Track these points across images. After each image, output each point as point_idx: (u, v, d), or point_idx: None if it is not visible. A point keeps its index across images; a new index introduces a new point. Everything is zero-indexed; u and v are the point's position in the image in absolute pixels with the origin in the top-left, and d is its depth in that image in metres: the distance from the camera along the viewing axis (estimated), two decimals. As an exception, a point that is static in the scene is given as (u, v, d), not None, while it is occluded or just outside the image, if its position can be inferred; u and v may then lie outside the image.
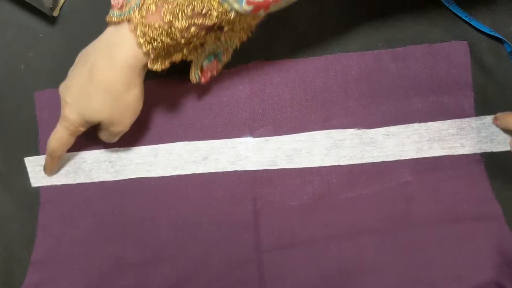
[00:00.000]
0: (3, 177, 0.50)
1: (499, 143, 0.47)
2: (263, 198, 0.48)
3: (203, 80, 0.45)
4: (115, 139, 0.46)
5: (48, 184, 0.49)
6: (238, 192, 0.48)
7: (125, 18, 0.38)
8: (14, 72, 0.51)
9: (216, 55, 0.45)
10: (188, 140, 0.49)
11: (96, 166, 0.49)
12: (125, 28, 0.39)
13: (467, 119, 0.47)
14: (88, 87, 0.41)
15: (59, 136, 0.44)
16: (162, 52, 0.40)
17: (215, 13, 0.36)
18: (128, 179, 0.49)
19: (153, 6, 0.37)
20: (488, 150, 0.47)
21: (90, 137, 0.49)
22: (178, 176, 0.49)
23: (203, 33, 0.39)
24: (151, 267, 0.48)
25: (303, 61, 0.49)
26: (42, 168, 0.49)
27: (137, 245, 0.48)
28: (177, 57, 0.42)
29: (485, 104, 0.47)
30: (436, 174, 0.47)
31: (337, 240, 0.46)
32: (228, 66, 0.49)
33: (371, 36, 0.48)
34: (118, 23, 0.39)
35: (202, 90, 0.49)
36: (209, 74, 0.46)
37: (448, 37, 0.47)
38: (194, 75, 0.44)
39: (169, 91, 0.49)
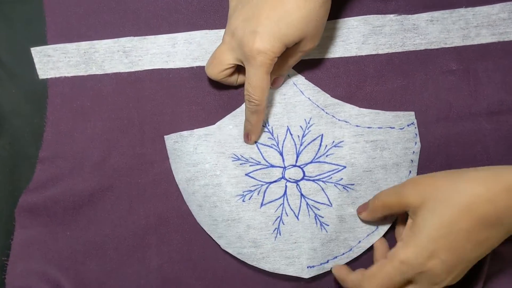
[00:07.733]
0: (8, 69, 0.45)
1: (556, 27, 0.42)
2: None
3: None
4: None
5: (57, 76, 0.45)
6: None
7: None
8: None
9: None
10: (209, 29, 0.45)
11: (109, 57, 0.45)
12: None
13: (520, 0, 0.42)
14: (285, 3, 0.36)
15: (257, 83, 0.38)
16: None
17: None
18: (144, 70, 0.45)
19: None
20: (544, 33, 0.42)
21: (100, 23, 0.45)
22: (199, 67, 0.44)
23: None
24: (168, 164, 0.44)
25: None
26: (50, 58, 0.45)
27: (155, 141, 0.44)
28: None
29: (541, -16, 0.42)
30: (485, 63, 0.43)
31: None
32: None
33: None
34: None
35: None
36: None
37: None
38: None
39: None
